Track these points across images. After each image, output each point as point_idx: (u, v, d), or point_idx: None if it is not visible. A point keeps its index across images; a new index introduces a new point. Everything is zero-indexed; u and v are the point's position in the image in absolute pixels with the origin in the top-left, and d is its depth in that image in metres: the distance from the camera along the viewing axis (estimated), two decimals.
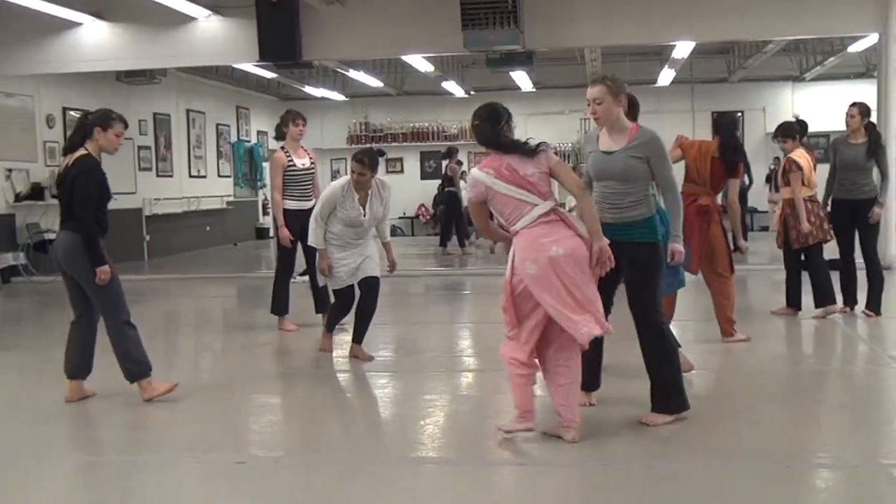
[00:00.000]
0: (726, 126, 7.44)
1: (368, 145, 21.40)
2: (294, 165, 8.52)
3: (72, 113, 16.04)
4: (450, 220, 17.47)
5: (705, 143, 7.46)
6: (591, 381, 5.48)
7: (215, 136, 21.00)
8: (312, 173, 8.67)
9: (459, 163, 17.86)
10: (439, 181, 23.92)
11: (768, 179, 21.19)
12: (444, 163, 17.30)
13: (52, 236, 14.66)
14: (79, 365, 6.04)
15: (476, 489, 4.39)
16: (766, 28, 13.18)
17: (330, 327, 7.49)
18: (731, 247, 7.61)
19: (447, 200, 17.44)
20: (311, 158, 8.76)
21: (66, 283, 6.05)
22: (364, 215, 7.04)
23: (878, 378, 6.59)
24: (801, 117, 9.35)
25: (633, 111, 5.43)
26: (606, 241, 4.81)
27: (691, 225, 7.06)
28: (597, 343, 5.16)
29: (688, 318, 8.32)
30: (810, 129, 18.76)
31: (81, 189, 5.78)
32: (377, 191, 7.13)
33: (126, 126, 6.11)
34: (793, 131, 8.69)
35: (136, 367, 5.92)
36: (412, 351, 7.85)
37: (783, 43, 17.73)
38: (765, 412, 5.50)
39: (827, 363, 7.29)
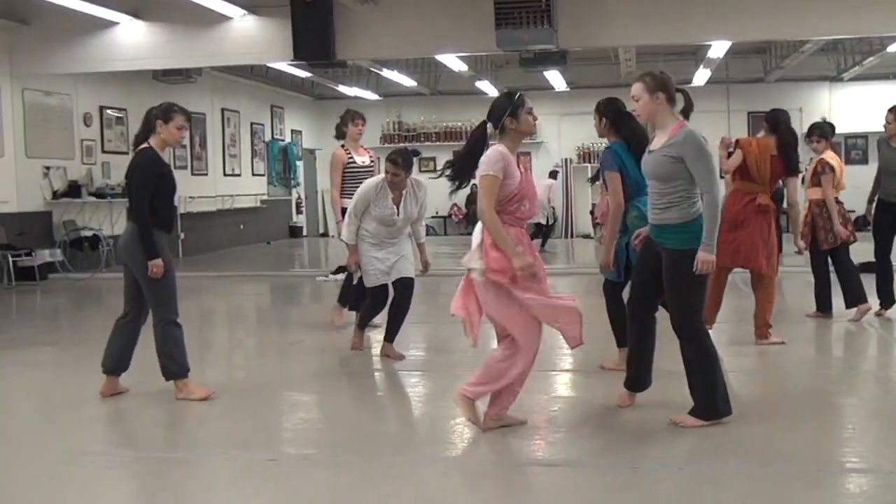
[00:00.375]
0: (787, 123, 7.43)
1: (403, 145, 21.38)
2: (354, 163, 8.63)
3: (108, 112, 16.24)
4: None
5: (762, 140, 7.46)
6: (639, 381, 5.43)
7: (250, 134, 21.14)
8: (372, 171, 8.69)
9: None
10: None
11: (803, 181, 20.97)
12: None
13: (88, 234, 14.86)
14: (118, 361, 6.09)
15: (505, 489, 4.39)
16: (804, 27, 13.02)
17: (362, 325, 7.53)
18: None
19: None
20: (370, 157, 8.85)
21: (124, 277, 6.22)
22: (397, 214, 7.05)
23: None
24: (829, 119, 9.31)
25: (684, 110, 5.19)
26: (530, 259, 4.87)
27: (750, 223, 7.07)
28: (649, 343, 5.21)
29: (721, 321, 8.25)
30: (848, 130, 18.59)
31: (136, 182, 5.89)
32: (412, 191, 7.13)
33: (188, 118, 6.12)
34: (827, 132, 8.63)
35: (174, 367, 5.96)
36: (443, 350, 7.85)
37: (821, 42, 17.52)
38: (798, 416, 5.45)
39: (861, 367, 7.21)
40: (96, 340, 8.05)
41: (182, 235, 17.82)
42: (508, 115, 5.01)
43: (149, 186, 5.87)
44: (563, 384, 6.67)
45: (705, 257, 4.93)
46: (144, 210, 5.87)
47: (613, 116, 6.53)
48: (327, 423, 5.69)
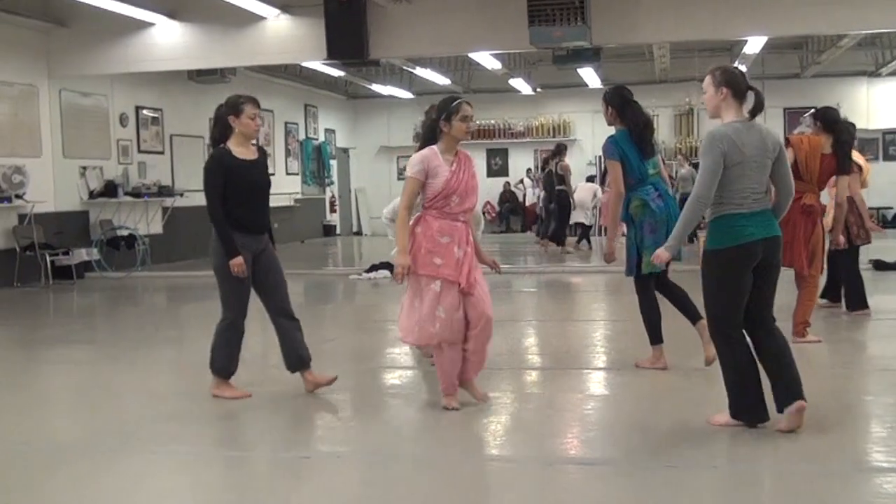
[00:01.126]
0: (844, 122, 7.34)
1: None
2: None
3: (144, 112, 16.38)
4: (563, 218, 17.42)
5: (813, 139, 7.37)
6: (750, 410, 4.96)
7: (284, 133, 21.25)
8: None
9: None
10: (519, 179, 23.86)
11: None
12: (554, 161, 17.22)
13: (124, 233, 15.01)
14: (288, 361, 6.09)
15: (538, 488, 4.37)
16: (841, 21, 12.85)
17: None
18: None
19: (559, 199, 17.32)
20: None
21: None
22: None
23: None
24: (853, 118, 9.26)
25: (752, 109, 4.94)
26: (406, 260, 5.33)
27: (795, 224, 6.97)
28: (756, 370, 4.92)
29: None
30: (887, 126, 18.42)
31: (204, 184, 5.82)
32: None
33: (257, 104, 5.91)
34: (851, 132, 8.55)
35: (217, 364, 5.97)
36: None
37: (858, 37, 17.29)
38: (834, 415, 5.37)
39: None
40: (132, 339, 8.13)
41: None
42: (443, 119, 5.39)
43: (216, 187, 5.75)
44: (596, 382, 6.64)
45: (660, 253, 5.04)
46: (215, 210, 5.75)
47: (619, 104, 6.55)
48: (359, 421, 5.69)
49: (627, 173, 6.34)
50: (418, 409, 5.89)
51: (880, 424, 5.26)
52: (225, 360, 5.95)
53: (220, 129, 5.88)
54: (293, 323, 6.02)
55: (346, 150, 24.69)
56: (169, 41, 13.75)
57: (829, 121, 7.55)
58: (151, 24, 13.61)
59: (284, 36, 13.57)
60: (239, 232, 5.75)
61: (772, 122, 21.29)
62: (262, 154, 6.06)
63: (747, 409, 4.92)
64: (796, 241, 7.16)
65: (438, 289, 5.38)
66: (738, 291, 4.85)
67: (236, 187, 5.77)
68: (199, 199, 19.56)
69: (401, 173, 24.39)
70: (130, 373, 7.19)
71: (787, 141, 7.33)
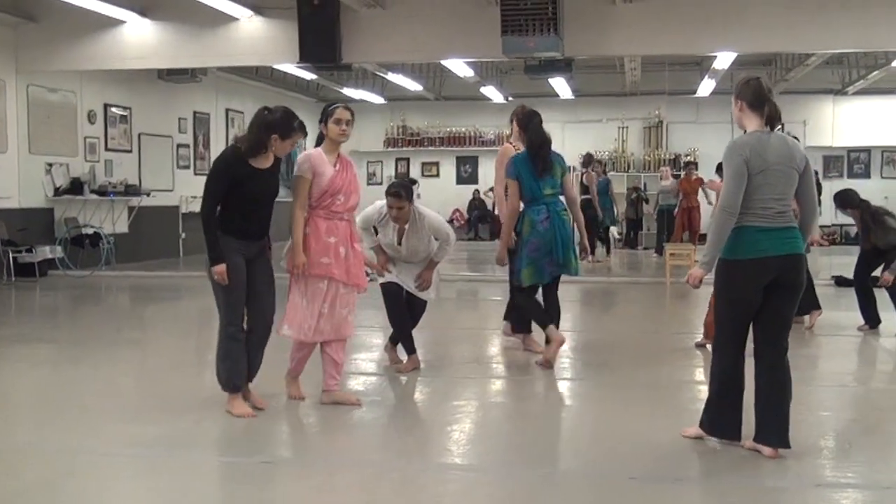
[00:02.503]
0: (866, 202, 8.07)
1: (399, 179, 21.58)
2: None
3: (113, 110, 16.25)
4: (588, 227, 17.41)
5: None
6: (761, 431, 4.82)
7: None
8: None
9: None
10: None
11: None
12: (583, 170, 17.36)
13: (89, 231, 14.87)
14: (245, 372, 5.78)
15: (497, 497, 4.38)
16: (809, 40, 13.04)
17: (393, 340, 7.13)
18: None
19: (584, 209, 17.31)
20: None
21: None
22: (399, 245, 6.75)
23: None
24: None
25: (769, 119, 4.85)
26: (303, 257, 5.62)
27: None
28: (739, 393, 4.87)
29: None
30: (851, 144, 18.70)
31: (206, 184, 5.52)
32: (415, 225, 6.70)
33: (304, 133, 5.70)
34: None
35: (222, 378, 5.65)
36: (443, 356, 7.83)
37: (826, 56, 17.54)
38: (793, 430, 5.42)
39: (865, 382, 7.19)
40: (94, 339, 8.06)
41: (183, 235, 17.84)
42: (321, 122, 5.80)
43: (217, 192, 5.45)
44: (562, 392, 6.66)
45: (694, 272, 4.84)
46: (209, 213, 5.46)
47: (524, 124, 7.07)
48: (323, 429, 5.67)
49: (522, 191, 6.91)
50: (382, 415, 5.88)
51: (839, 440, 5.32)
52: (226, 373, 5.62)
53: (255, 140, 5.52)
54: (265, 333, 5.77)
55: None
56: (140, 39, 13.66)
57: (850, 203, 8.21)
58: (122, 22, 13.50)
59: (257, 38, 13.52)
60: (237, 238, 5.51)
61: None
62: (277, 161, 5.70)
63: (719, 426, 4.90)
64: None
65: (325, 287, 5.71)
66: (742, 306, 4.74)
67: (243, 197, 5.49)
68: (166, 199, 19.48)
69: (370, 178, 24.40)
70: (92, 373, 7.12)
71: None
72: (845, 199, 8.84)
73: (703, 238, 9.40)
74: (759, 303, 4.71)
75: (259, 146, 5.49)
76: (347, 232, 5.80)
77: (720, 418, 4.88)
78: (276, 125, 5.51)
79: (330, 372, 5.88)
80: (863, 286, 8.87)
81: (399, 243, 6.74)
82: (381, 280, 6.92)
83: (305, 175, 5.70)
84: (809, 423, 5.58)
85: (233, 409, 5.59)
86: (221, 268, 5.42)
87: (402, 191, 6.59)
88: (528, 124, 7.00)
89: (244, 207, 5.52)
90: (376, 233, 6.85)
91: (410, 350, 6.92)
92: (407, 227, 6.70)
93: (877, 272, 8.71)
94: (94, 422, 5.61)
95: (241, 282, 5.52)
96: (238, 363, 5.60)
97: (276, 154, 5.61)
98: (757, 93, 4.81)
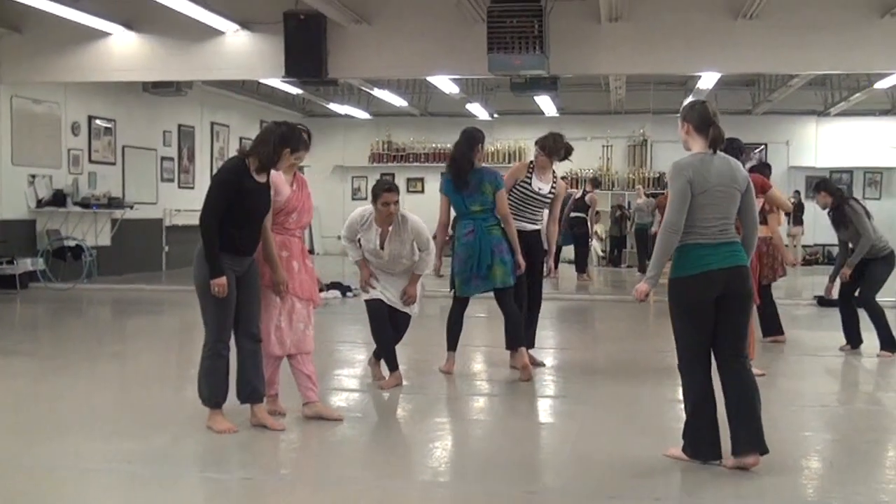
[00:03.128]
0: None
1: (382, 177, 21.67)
2: (528, 185, 7.78)
3: (97, 122, 16.20)
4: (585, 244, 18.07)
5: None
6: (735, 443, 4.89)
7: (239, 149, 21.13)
8: (547, 202, 7.91)
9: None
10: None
11: (787, 213, 21.10)
12: (588, 190, 18.10)
13: (71, 244, 14.79)
14: (241, 390, 5.67)
15: None
16: (792, 62, 13.16)
17: (377, 356, 7.11)
18: None
19: (578, 226, 17.77)
20: (553, 188, 7.87)
21: None
22: (382, 249, 6.75)
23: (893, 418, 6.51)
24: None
25: (712, 143, 4.98)
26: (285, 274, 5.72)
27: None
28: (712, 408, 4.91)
29: None
30: (833, 165, 18.90)
31: (209, 194, 5.44)
32: (398, 228, 6.73)
33: (306, 148, 5.85)
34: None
35: (203, 393, 5.57)
36: (425, 372, 7.81)
37: (809, 77, 17.68)
38: (774, 450, 5.43)
39: (846, 401, 7.22)
40: (75, 352, 8.01)
41: (167, 248, 17.76)
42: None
43: (220, 203, 5.36)
44: (542, 410, 6.65)
45: (640, 287, 5.02)
46: (211, 223, 5.35)
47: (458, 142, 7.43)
48: (303, 444, 5.65)
49: (453, 207, 7.36)
50: (364, 432, 5.87)
51: (821, 460, 5.34)
52: (208, 388, 5.53)
53: (271, 153, 5.47)
54: (255, 346, 5.67)
55: (300, 168, 24.56)
56: (125, 51, 13.63)
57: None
58: (108, 34, 13.47)
59: (242, 52, 13.52)
60: (228, 253, 5.41)
61: None
62: (269, 177, 5.69)
63: (701, 450, 4.93)
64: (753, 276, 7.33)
65: (279, 300, 5.77)
66: (698, 321, 4.87)
67: (241, 211, 5.42)
68: (150, 212, 19.43)
69: (355, 193, 24.40)
70: (72, 387, 7.06)
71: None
72: (826, 185, 9.08)
73: None
74: (713, 317, 4.85)
75: (273, 160, 5.49)
76: (300, 248, 5.92)
77: (699, 440, 4.93)
78: (289, 139, 5.54)
79: (306, 385, 5.88)
80: (847, 305, 8.91)
81: (382, 247, 6.74)
82: (365, 297, 6.92)
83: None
84: (791, 442, 5.60)
85: (214, 425, 5.53)
86: (222, 280, 5.35)
87: (393, 185, 6.75)
88: (456, 152, 7.35)
89: (240, 222, 5.43)
90: (359, 244, 6.85)
91: (393, 366, 6.91)
92: (391, 229, 6.73)
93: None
94: (72, 436, 5.56)
95: (231, 299, 5.45)
96: (221, 380, 5.54)
97: (280, 168, 5.66)
98: (703, 116, 4.99)
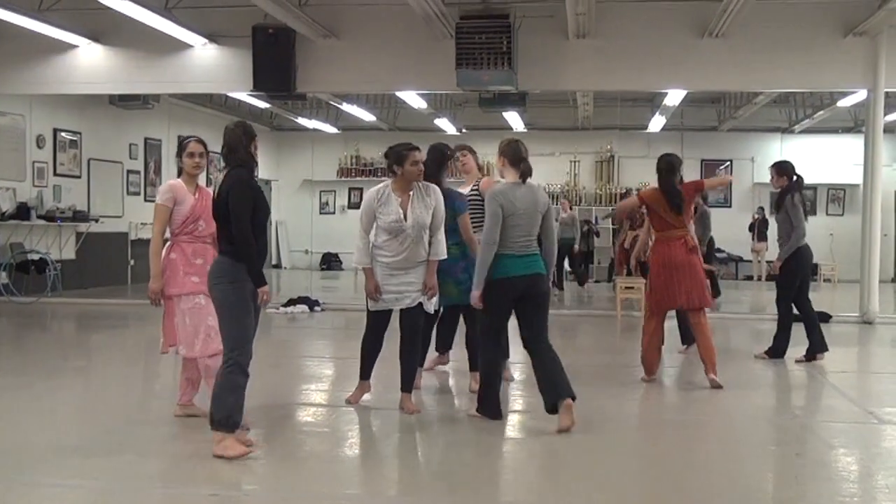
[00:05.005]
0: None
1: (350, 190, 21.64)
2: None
3: (62, 134, 16.06)
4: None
5: (650, 190, 8.12)
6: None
7: (206, 163, 20.99)
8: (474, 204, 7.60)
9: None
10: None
11: (751, 228, 21.34)
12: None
13: (35, 257, 14.63)
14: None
15: None
16: (757, 80, 13.36)
17: (365, 375, 6.84)
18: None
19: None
20: (474, 189, 7.76)
21: None
22: (405, 220, 6.34)
23: (858, 433, 6.57)
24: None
25: (522, 175, 6.23)
26: (159, 284, 6.00)
27: (692, 265, 7.69)
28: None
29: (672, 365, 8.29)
30: None
31: (238, 200, 5.31)
32: (421, 194, 6.44)
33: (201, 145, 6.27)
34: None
35: (222, 414, 5.23)
36: (393, 388, 7.77)
37: (773, 95, 17.93)
38: (741, 464, 5.48)
39: (808, 416, 7.28)
40: (38, 367, 7.91)
41: (132, 262, 17.61)
42: (177, 155, 6.33)
43: (248, 205, 5.30)
44: (511, 426, 6.66)
45: (472, 294, 6.19)
46: (248, 230, 5.24)
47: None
48: (268, 461, 5.61)
49: None
50: (331, 447, 5.84)
51: (785, 476, 5.38)
52: (228, 410, 5.21)
53: (246, 153, 5.49)
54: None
55: (268, 182, 24.52)
56: (92, 64, 13.55)
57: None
58: (74, 46, 13.40)
59: (211, 65, 13.49)
60: (241, 262, 5.26)
61: (689, 173, 21.86)
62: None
63: (489, 408, 6.24)
64: (697, 282, 7.67)
65: (203, 302, 5.89)
66: (499, 313, 6.19)
67: (255, 218, 5.35)
68: (115, 226, 19.29)
69: (323, 207, 24.35)
70: (34, 403, 6.97)
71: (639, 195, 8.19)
72: (783, 168, 9.38)
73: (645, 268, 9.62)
74: (511, 312, 6.18)
75: (253, 157, 5.55)
76: (212, 255, 5.94)
77: (489, 402, 6.25)
78: (249, 130, 5.58)
79: (187, 387, 6.19)
80: (808, 313, 9.09)
81: (405, 218, 6.34)
82: (371, 306, 6.56)
83: (167, 203, 6.06)
84: (761, 455, 5.64)
85: (226, 451, 5.20)
86: (267, 288, 5.31)
87: (412, 144, 6.54)
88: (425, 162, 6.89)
89: (256, 230, 5.35)
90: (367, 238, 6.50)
91: (365, 375, 6.78)
92: (411, 195, 6.40)
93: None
94: (35, 452, 5.49)
95: (251, 309, 5.33)
96: (242, 397, 5.28)
97: (407, 178, 6.26)
98: (516, 153, 6.22)
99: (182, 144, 6.26)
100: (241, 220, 5.26)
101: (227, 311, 5.26)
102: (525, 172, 6.17)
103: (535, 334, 6.16)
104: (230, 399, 5.22)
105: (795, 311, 9.08)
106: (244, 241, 5.25)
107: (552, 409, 5.94)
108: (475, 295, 6.13)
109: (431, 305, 6.67)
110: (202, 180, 6.40)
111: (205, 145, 6.28)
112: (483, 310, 6.19)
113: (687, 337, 9.33)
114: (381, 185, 6.52)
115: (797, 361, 8.97)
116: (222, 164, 5.60)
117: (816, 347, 8.99)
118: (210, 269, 5.44)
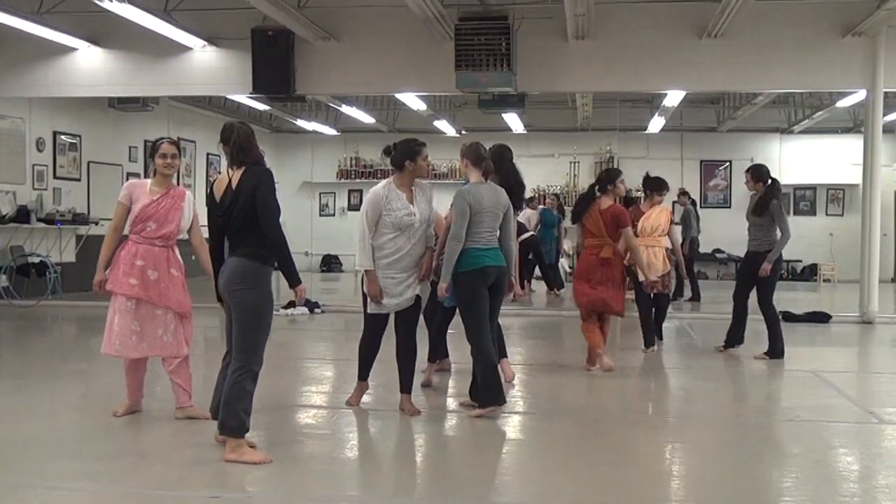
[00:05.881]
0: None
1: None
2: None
3: (62, 137, 16.06)
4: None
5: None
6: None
7: (205, 165, 21.03)
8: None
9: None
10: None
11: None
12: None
13: (35, 260, 14.63)
14: (216, 406, 5.55)
15: None
16: (756, 81, 13.35)
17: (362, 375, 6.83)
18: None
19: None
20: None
21: (226, 316, 5.48)
22: (414, 214, 6.40)
23: (858, 433, 6.57)
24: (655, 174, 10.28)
25: (484, 174, 6.63)
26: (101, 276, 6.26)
27: (609, 277, 8.25)
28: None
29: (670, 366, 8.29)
30: (797, 182, 19.16)
31: (269, 198, 5.26)
32: (420, 189, 6.55)
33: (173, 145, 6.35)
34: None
35: (234, 422, 5.24)
36: (396, 388, 7.77)
37: (772, 95, 17.92)
38: (741, 464, 5.48)
39: (812, 416, 7.28)
40: (39, 370, 7.91)
41: None
42: (150, 156, 6.51)
43: (277, 202, 5.26)
44: (510, 427, 6.67)
45: (440, 286, 6.47)
46: (280, 228, 5.20)
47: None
48: (272, 464, 5.61)
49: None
50: (332, 449, 5.84)
51: (786, 476, 5.38)
52: (241, 418, 5.23)
53: (257, 151, 5.53)
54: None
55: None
56: (91, 67, 13.55)
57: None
58: (74, 49, 13.40)
59: (210, 68, 13.50)
60: (267, 265, 5.26)
61: (689, 174, 21.91)
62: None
63: (489, 397, 6.46)
64: (617, 291, 8.24)
65: (133, 306, 6.11)
66: (479, 300, 6.47)
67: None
68: None
69: (323, 209, 24.35)
70: (35, 405, 6.97)
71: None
72: (759, 172, 9.46)
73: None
74: (488, 298, 6.49)
75: (261, 154, 5.61)
76: (164, 257, 6.21)
77: (492, 390, 6.44)
78: (250, 131, 5.57)
79: (175, 389, 6.27)
80: (742, 307, 9.42)
81: (414, 213, 6.41)
82: (372, 309, 6.53)
83: (122, 201, 6.30)
84: (759, 455, 5.65)
85: (244, 456, 5.21)
86: (304, 286, 5.43)
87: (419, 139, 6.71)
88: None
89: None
90: (374, 233, 6.47)
91: (363, 376, 6.79)
92: (414, 191, 6.50)
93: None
94: (36, 455, 5.49)
95: (271, 315, 5.38)
96: (251, 404, 5.30)
97: (418, 174, 6.44)
98: (477, 154, 6.65)
99: (155, 145, 6.35)
100: (275, 217, 5.22)
101: (248, 317, 5.20)
102: (487, 171, 6.63)
103: (492, 318, 6.74)
104: (242, 406, 5.23)
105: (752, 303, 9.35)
106: (279, 239, 5.21)
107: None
108: (442, 287, 6.44)
109: (421, 290, 6.62)
110: (202, 180, 6.42)
111: (178, 146, 6.37)
112: (463, 306, 6.52)
113: (649, 339, 9.62)
114: (384, 182, 6.54)
115: (756, 357, 9.13)
116: (224, 163, 5.58)
117: (735, 340, 9.43)
118: (226, 274, 5.26)
